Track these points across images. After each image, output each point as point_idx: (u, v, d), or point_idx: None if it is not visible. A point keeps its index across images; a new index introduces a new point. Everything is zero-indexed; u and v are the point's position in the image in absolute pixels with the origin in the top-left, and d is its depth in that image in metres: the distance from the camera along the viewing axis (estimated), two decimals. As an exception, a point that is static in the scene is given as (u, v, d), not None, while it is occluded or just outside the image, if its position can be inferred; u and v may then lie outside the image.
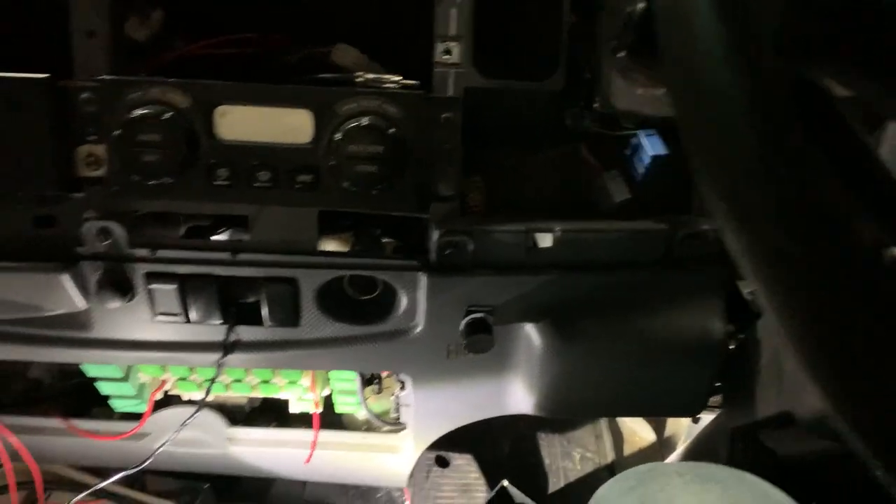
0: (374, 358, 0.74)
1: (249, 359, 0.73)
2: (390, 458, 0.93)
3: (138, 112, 0.59)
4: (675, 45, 0.29)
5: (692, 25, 0.28)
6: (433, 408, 0.82)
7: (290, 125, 0.61)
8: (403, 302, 0.70)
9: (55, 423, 0.89)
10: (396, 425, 0.91)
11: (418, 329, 0.71)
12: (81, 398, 0.91)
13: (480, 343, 0.68)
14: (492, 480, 1.28)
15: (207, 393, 0.78)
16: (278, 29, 0.73)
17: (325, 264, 0.67)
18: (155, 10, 0.70)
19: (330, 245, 0.74)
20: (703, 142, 0.29)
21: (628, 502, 0.57)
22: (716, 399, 0.86)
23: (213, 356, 0.72)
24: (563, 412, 0.78)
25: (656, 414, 1.20)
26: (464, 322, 0.69)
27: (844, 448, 0.65)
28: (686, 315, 0.70)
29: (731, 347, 0.75)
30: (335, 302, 0.71)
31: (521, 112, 0.72)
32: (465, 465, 1.27)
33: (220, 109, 0.61)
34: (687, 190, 0.70)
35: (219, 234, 0.72)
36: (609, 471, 1.33)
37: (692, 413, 0.80)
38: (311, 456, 0.91)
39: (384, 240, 0.74)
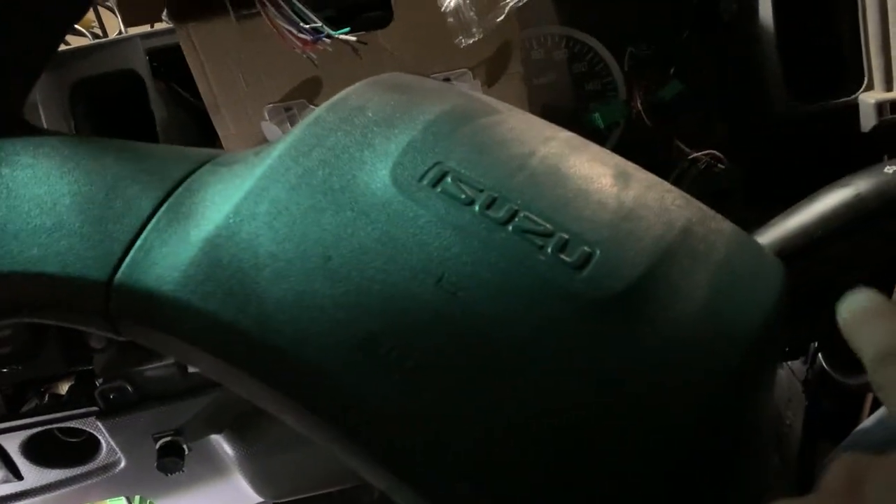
0: (101, 491, 0.83)
1: (-2, 512, 0.83)
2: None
3: None
4: None
5: None
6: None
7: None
8: (102, 441, 0.79)
9: None
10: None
11: (123, 462, 0.80)
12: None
13: (169, 465, 0.77)
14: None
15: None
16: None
17: (17, 427, 0.77)
18: None
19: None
20: None
21: None
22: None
23: (-35, 518, 0.82)
24: (285, 496, 0.87)
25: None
26: (156, 447, 0.78)
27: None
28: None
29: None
30: (53, 450, 0.81)
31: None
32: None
33: None
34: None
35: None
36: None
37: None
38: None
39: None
